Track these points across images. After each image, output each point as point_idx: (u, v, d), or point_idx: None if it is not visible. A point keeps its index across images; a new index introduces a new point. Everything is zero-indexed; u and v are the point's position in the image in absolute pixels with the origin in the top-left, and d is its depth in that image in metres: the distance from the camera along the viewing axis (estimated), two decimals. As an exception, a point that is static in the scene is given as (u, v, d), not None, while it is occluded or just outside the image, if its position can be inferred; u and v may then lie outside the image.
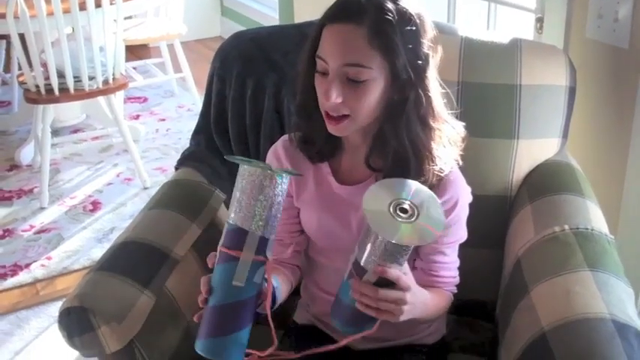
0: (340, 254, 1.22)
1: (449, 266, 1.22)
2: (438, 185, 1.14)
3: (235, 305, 1.00)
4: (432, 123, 1.13)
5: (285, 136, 1.27)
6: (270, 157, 1.27)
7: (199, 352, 1.00)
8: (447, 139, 1.16)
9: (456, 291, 1.25)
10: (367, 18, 1.05)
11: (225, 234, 1.01)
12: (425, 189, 1.06)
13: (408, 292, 1.04)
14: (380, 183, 1.06)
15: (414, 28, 1.08)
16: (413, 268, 1.21)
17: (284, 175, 1.00)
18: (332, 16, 1.09)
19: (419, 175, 1.13)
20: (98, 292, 1.19)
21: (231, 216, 1.01)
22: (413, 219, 1.00)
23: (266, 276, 1.02)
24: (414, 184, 1.06)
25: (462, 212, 1.20)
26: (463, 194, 1.18)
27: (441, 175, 1.14)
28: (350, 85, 1.07)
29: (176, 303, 1.26)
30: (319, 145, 1.20)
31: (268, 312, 1.06)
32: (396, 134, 1.11)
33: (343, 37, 1.06)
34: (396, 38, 1.06)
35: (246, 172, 1.00)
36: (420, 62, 1.09)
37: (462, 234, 1.22)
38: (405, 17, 1.07)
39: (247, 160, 1.01)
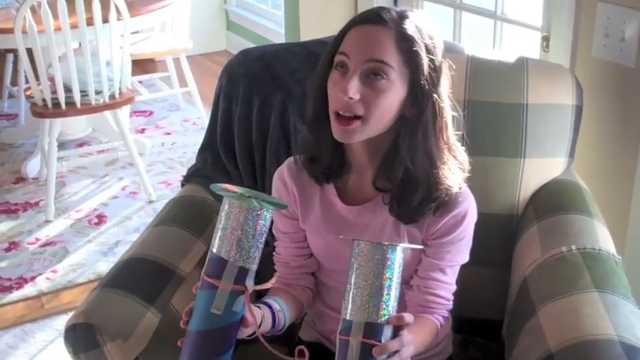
0: (345, 276, 1.21)
1: (447, 287, 1.20)
2: (448, 201, 1.14)
3: (213, 332, 1.00)
4: (446, 137, 1.14)
5: (291, 159, 1.27)
6: (275, 180, 1.27)
7: None
8: (454, 154, 1.17)
9: (446, 314, 1.21)
10: (395, 24, 1.10)
11: (207, 262, 1.02)
12: None
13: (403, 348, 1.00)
14: None
15: (433, 40, 1.12)
16: (409, 287, 1.20)
17: (267, 207, 0.99)
18: (359, 19, 1.12)
19: (429, 193, 1.13)
20: (104, 309, 1.19)
21: (213, 244, 1.01)
22: None
23: (246, 306, 1.01)
24: None
25: (468, 231, 1.19)
26: (470, 212, 1.18)
27: (451, 191, 1.14)
28: (369, 84, 1.08)
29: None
30: (325, 164, 1.20)
31: (262, 340, 1.06)
32: (410, 150, 1.11)
33: (370, 34, 1.09)
34: (420, 47, 1.10)
35: (228, 203, 1.00)
36: (435, 74, 1.12)
37: (464, 256, 1.21)
38: (426, 30, 1.12)
39: (231, 193, 1.00)
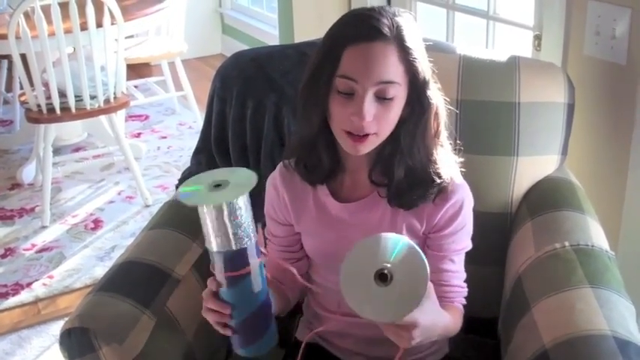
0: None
1: (458, 275, 1.22)
2: (444, 191, 1.15)
3: (261, 309, 1.08)
4: (440, 131, 1.16)
5: (282, 163, 1.27)
6: (268, 186, 1.27)
7: (245, 355, 1.11)
8: (441, 144, 1.18)
9: (465, 302, 1.24)
10: (391, 34, 1.07)
11: (223, 260, 1.03)
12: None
13: (415, 327, 1.01)
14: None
15: (419, 36, 1.12)
16: None
17: (237, 196, 1.00)
18: (355, 36, 1.07)
19: (427, 185, 1.14)
20: (99, 313, 1.19)
21: (217, 244, 1.02)
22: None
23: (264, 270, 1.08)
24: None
25: (468, 218, 1.20)
26: (467, 200, 1.19)
27: (447, 181, 1.15)
28: (379, 103, 1.08)
29: (177, 323, 1.26)
30: (324, 170, 1.19)
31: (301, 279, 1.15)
32: (411, 148, 1.13)
33: (374, 54, 1.06)
34: (417, 52, 1.09)
35: (201, 211, 1.01)
36: (430, 73, 1.12)
37: (467, 242, 1.22)
38: (414, 27, 1.11)
39: (197, 194, 1.00)
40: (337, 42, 1.09)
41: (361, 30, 1.08)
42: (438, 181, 1.14)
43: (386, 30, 1.07)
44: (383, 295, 0.96)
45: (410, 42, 1.09)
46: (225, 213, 0.99)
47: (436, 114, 1.14)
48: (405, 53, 1.08)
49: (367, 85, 1.06)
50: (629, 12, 1.53)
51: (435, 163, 1.15)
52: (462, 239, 1.20)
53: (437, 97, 1.15)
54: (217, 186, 1.01)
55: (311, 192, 1.24)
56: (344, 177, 1.21)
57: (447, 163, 1.17)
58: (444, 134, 1.18)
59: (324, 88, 1.10)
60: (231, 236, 1.00)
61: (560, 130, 1.46)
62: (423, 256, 0.98)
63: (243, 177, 1.03)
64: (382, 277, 0.96)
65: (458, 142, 1.25)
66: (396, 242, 0.98)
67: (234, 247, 1.01)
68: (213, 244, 1.02)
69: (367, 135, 1.09)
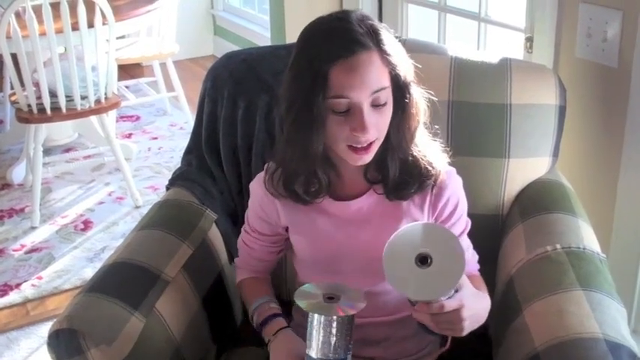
0: (337, 276, 1.21)
1: (469, 249, 1.26)
2: (440, 179, 1.18)
3: None
4: (422, 123, 1.17)
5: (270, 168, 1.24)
6: (256, 187, 1.25)
7: None
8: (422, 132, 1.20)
9: (479, 266, 1.29)
10: (370, 41, 1.07)
11: None
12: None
13: (462, 308, 1.05)
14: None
15: (392, 34, 1.13)
16: None
17: (347, 310, 1.07)
18: (337, 55, 1.05)
19: (421, 176, 1.16)
20: (87, 314, 1.18)
21: (319, 351, 1.07)
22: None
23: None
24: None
25: (464, 203, 1.24)
26: (459, 186, 1.23)
27: (439, 169, 1.17)
28: (375, 110, 1.08)
29: (166, 324, 1.25)
30: (322, 186, 1.18)
31: None
32: (401, 143, 1.14)
33: (363, 68, 1.05)
34: (393, 48, 1.10)
35: (312, 318, 1.07)
36: (407, 67, 1.13)
37: (467, 222, 1.26)
38: (384, 29, 1.12)
39: (313, 303, 1.07)
40: (320, 65, 1.06)
41: (341, 45, 1.06)
42: (432, 171, 1.17)
43: (363, 38, 1.06)
44: (423, 276, 1.02)
45: (386, 41, 1.09)
46: (335, 325, 1.05)
47: (415, 104, 1.14)
48: (386, 54, 1.08)
49: (363, 99, 1.06)
50: (621, 14, 1.53)
51: (424, 151, 1.17)
52: (462, 222, 1.25)
53: (415, 87, 1.15)
54: (330, 298, 1.08)
55: None
56: (340, 179, 1.21)
57: (432, 150, 1.19)
58: (422, 122, 1.19)
59: (320, 115, 1.07)
60: (334, 346, 1.06)
61: (551, 132, 1.46)
62: (459, 240, 1.06)
63: (354, 295, 1.09)
64: (422, 260, 1.03)
65: (437, 131, 1.26)
66: (435, 228, 1.09)
67: (334, 357, 1.07)
68: (315, 350, 1.07)
69: (370, 143, 1.10)
